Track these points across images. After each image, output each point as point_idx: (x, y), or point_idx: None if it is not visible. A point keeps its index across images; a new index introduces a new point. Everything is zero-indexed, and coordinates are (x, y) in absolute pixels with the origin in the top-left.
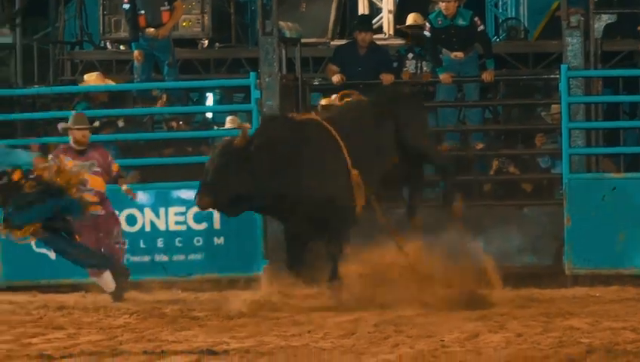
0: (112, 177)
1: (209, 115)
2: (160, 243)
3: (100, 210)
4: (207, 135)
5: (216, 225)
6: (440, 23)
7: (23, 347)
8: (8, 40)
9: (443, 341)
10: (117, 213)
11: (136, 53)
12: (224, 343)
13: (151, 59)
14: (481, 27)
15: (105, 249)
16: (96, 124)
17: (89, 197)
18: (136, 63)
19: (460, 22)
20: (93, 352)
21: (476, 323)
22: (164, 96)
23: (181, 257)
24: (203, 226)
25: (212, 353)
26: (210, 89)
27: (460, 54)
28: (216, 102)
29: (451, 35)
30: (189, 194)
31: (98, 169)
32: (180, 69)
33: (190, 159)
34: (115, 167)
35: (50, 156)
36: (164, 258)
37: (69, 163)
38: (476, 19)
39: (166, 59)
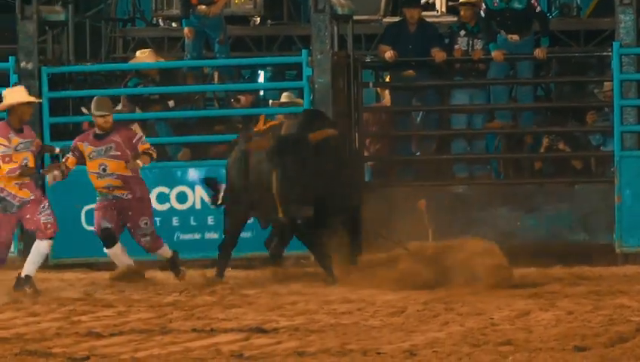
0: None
1: (261, 92)
2: (210, 220)
3: (124, 193)
4: (259, 112)
5: None
6: (496, 4)
7: (73, 325)
8: (61, 17)
9: (493, 319)
10: (149, 199)
11: (186, 30)
12: (274, 321)
13: (202, 36)
14: (538, 8)
15: (131, 233)
16: (171, 103)
17: (111, 181)
18: (187, 41)
19: (516, 5)
20: (143, 330)
21: (527, 301)
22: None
23: None
24: None
25: (261, 331)
26: (262, 66)
27: (515, 37)
28: (267, 79)
29: (506, 18)
30: None
31: (117, 152)
32: (232, 47)
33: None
34: (142, 148)
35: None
36: (214, 235)
37: (88, 149)
38: (533, 1)
39: (217, 36)
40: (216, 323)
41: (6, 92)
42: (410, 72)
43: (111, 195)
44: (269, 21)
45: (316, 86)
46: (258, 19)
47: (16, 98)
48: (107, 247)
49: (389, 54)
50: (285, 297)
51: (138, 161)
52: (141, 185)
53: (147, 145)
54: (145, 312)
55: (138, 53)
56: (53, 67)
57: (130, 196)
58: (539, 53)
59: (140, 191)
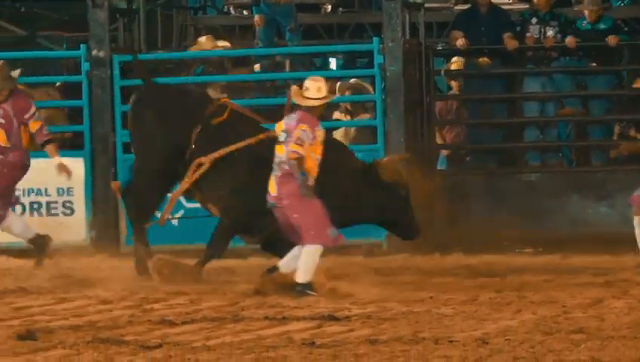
0: (36, 140)
1: None
2: None
3: None
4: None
5: None
6: (583, 25)
7: (145, 312)
8: (132, 5)
9: (565, 306)
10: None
11: (256, 17)
12: (346, 309)
13: (273, 24)
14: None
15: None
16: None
17: None
18: (257, 28)
19: (602, 26)
20: (215, 318)
21: (599, 289)
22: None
23: None
24: None
25: (334, 319)
26: (334, 54)
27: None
28: (339, 67)
29: (591, 40)
30: None
31: (1, 120)
32: (303, 34)
33: None
34: (34, 126)
35: None
36: None
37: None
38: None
39: (288, 24)
40: (288, 311)
41: None
42: (485, 59)
43: None
44: (340, 9)
45: (387, 74)
46: (329, 6)
47: None
48: None
49: (460, 42)
50: (358, 285)
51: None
52: (12, 153)
53: (37, 126)
54: (217, 300)
55: (200, 39)
56: (125, 55)
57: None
58: (611, 39)
59: (12, 156)
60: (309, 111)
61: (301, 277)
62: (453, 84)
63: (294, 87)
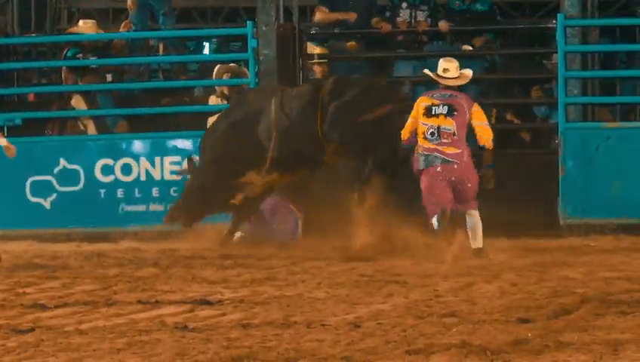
0: None
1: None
2: (155, 192)
3: None
4: (203, 84)
5: None
6: (457, 5)
7: (17, 296)
8: None
9: (437, 290)
10: None
11: (129, 1)
12: (218, 293)
13: (147, 8)
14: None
15: None
16: (109, 77)
17: None
18: (130, 12)
19: (479, 6)
20: (88, 302)
21: (471, 272)
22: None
23: None
24: None
25: (206, 303)
26: (207, 38)
27: (467, 47)
28: (212, 51)
29: (466, 20)
30: (185, 143)
31: None
32: (177, 18)
33: (186, 108)
34: None
35: None
36: (160, 207)
37: None
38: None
39: (162, 8)
40: (160, 295)
41: None
42: (353, 43)
43: None
44: None
45: (261, 58)
46: None
47: None
48: None
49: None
50: (230, 270)
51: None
52: None
53: None
54: (90, 284)
55: (81, 22)
56: None
57: None
58: (443, 26)
59: None
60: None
61: (481, 242)
62: (317, 68)
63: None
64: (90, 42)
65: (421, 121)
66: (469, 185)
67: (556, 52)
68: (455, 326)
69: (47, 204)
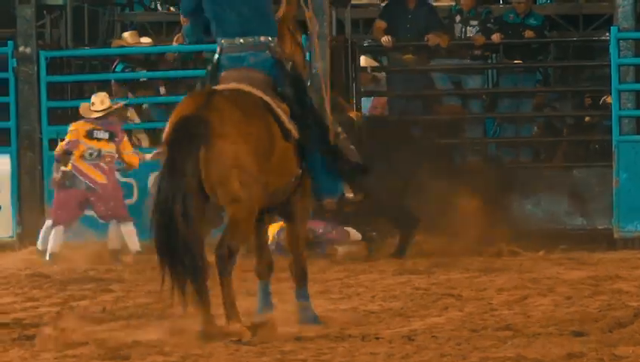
0: None
1: None
2: None
3: None
4: None
5: None
6: (511, 18)
7: (71, 309)
8: (59, 1)
9: (492, 304)
10: None
11: (182, 16)
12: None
13: (201, 20)
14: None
15: None
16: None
17: None
18: (184, 25)
19: (532, 22)
20: (142, 315)
21: (525, 286)
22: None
23: None
24: None
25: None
26: None
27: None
28: None
29: (519, 34)
30: None
31: None
32: None
33: None
34: None
35: None
36: None
37: None
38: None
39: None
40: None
41: None
42: (409, 56)
43: None
44: None
45: (314, 70)
46: None
47: None
48: None
49: (385, 39)
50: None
51: None
52: None
53: None
54: (143, 297)
55: (125, 34)
56: (52, 51)
57: None
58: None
59: None
60: None
61: None
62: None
63: None
64: (139, 55)
65: None
66: None
67: (609, 65)
68: (510, 340)
69: None
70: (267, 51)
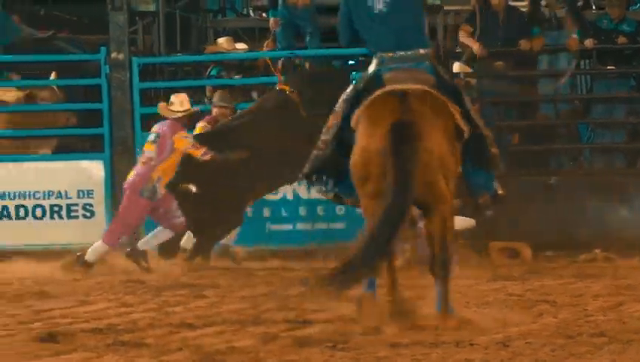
0: None
1: None
2: (302, 211)
3: None
4: None
5: None
6: (605, 24)
7: (166, 316)
8: (151, 8)
9: (587, 310)
10: None
11: (271, 20)
12: None
13: (292, 26)
14: None
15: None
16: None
17: None
18: (276, 31)
19: (625, 28)
20: (236, 321)
21: (620, 292)
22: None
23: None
24: None
25: (355, 322)
26: (352, 57)
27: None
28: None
29: (613, 40)
30: None
31: None
32: (323, 37)
33: None
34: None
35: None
36: (307, 226)
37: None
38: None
39: (308, 26)
40: (309, 314)
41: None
42: (500, 63)
43: None
44: None
45: None
46: None
47: None
48: None
49: (477, 48)
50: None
51: None
52: None
53: None
54: (237, 303)
55: (220, 40)
56: (144, 58)
57: None
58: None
59: None
60: None
61: None
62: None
63: None
64: (234, 61)
65: None
66: None
67: None
68: (605, 346)
69: None
70: (427, 62)
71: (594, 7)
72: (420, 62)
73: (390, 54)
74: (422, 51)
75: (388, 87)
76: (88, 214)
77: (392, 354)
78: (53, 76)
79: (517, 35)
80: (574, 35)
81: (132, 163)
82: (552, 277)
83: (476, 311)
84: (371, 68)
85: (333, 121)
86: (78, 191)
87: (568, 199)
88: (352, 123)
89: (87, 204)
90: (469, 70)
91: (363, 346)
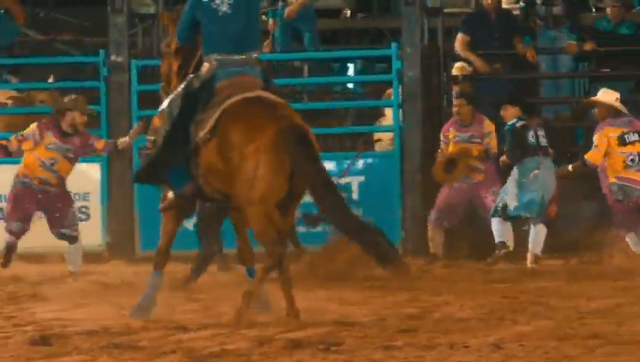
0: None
1: (350, 85)
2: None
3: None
4: (349, 106)
5: (354, 195)
6: (604, 26)
7: (160, 318)
8: (151, 10)
9: (581, 312)
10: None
11: (270, 22)
12: (362, 315)
13: (290, 28)
14: None
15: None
16: None
17: (49, 176)
18: (274, 33)
19: (624, 30)
20: (229, 323)
21: (616, 294)
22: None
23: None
24: None
25: (349, 324)
26: (352, 59)
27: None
28: (357, 72)
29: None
30: (329, 165)
31: (72, 155)
32: (322, 40)
33: (336, 130)
34: (99, 145)
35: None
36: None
37: (50, 138)
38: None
39: (307, 29)
40: (303, 316)
41: None
42: (498, 65)
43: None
44: (359, 14)
45: (405, 79)
46: (349, 12)
47: None
48: None
49: (480, 65)
50: (373, 291)
51: None
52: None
53: (102, 143)
54: (230, 306)
55: None
56: (143, 60)
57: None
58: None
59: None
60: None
61: None
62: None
63: None
64: None
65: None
66: None
67: None
68: (599, 348)
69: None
70: (259, 67)
71: (593, 10)
72: (254, 66)
73: (226, 57)
74: (255, 55)
75: (248, 94)
76: (84, 217)
77: (385, 356)
78: (51, 80)
79: (511, 38)
80: (572, 42)
81: (128, 166)
82: (545, 279)
83: (470, 313)
84: (205, 70)
85: (159, 122)
86: (75, 193)
87: (563, 200)
88: (205, 126)
89: (83, 207)
90: (469, 70)
91: (356, 348)
